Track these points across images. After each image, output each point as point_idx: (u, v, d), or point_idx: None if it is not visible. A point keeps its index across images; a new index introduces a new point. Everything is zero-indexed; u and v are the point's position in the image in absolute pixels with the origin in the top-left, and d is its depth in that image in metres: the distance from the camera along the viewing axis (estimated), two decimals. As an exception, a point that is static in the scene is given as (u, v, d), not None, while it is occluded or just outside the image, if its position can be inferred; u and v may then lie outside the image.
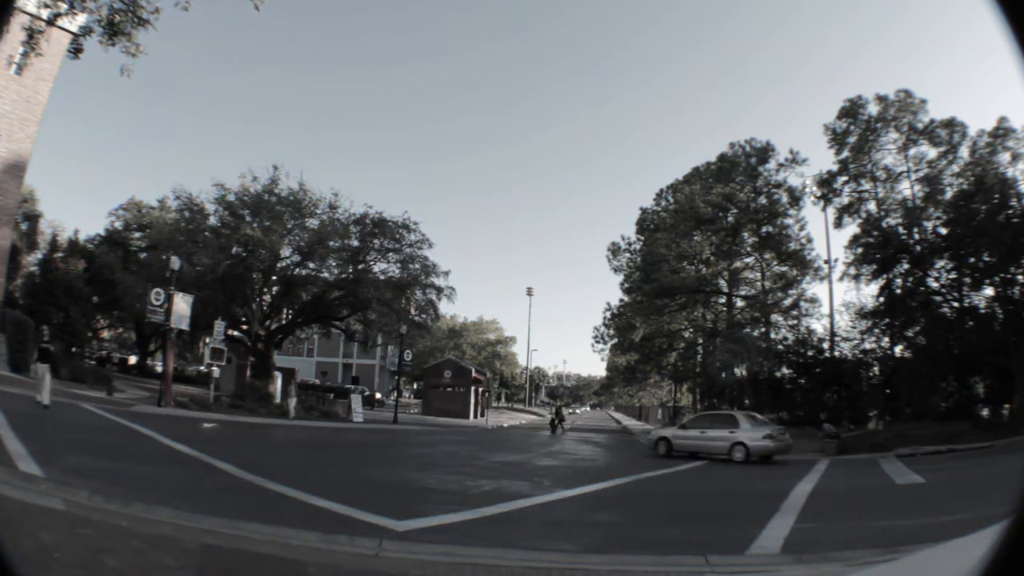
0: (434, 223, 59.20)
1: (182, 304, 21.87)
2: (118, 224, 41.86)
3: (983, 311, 25.58)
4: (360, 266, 31.08)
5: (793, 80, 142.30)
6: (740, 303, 37.31)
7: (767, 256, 36.02)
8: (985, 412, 25.77)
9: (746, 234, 35.75)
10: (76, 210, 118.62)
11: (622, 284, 40.99)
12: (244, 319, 30.82)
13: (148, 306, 21.47)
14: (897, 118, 31.87)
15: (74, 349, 33.13)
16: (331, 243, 30.22)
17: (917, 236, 27.91)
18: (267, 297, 31.95)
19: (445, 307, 36.80)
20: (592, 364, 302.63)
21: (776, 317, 34.97)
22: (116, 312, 38.08)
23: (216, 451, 11.55)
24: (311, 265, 31.03)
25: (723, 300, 38.03)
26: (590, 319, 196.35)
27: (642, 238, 40.42)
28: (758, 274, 36.81)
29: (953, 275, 26.34)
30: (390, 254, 32.02)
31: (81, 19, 10.31)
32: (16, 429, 9.70)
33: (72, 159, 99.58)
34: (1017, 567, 1.08)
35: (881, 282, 28.34)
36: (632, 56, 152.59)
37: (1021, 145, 28.13)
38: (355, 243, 31.32)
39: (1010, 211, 23.86)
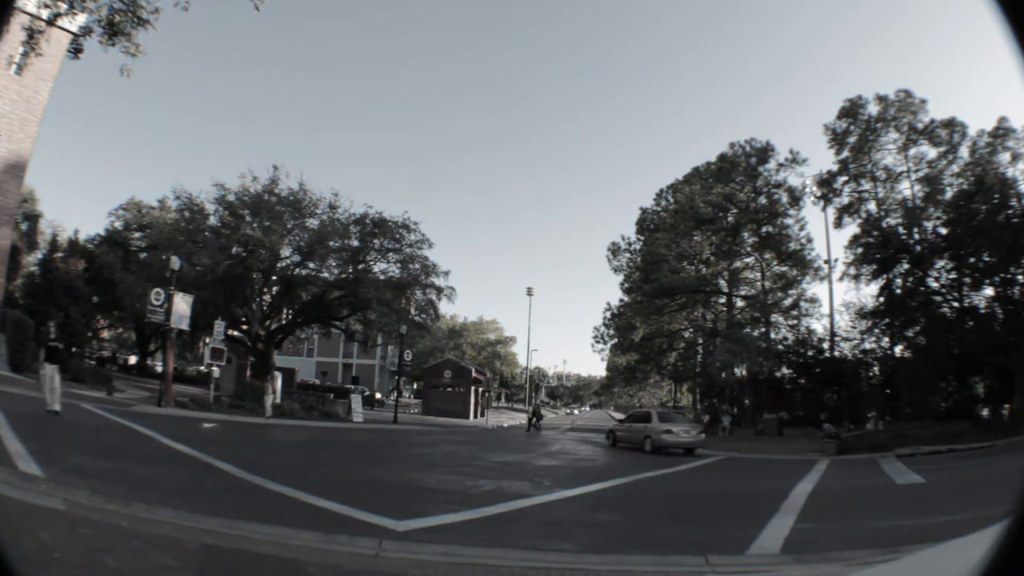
0: (434, 223, 59.35)
1: (182, 304, 21.86)
2: (118, 224, 41.95)
3: (983, 311, 25.59)
4: (360, 266, 31.07)
5: (793, 80, 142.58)
6: (740, 303, 37.32)
7: (767, 256, 36.04)
8: (985, 412, 25.82)
9: (746, 234, 35.76)
10: (76, 210, 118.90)
11: (622, 284, 41.07)
12: (244, 319, 30.81)
13: (148, 306, 21.45)
14: (897, 118, 31.89)
15: (74, 349, 33.14)
16: (331, 243, 30.19)
17: (917, 236, 27.93)
18: (267, 297, 31.93)
19: (445, 307, 36.82)
20: (592, 364, 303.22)
21: (776, 317, 35.00)
22: (116, 312, 38.14)
23: (216, 451, 11.54)
24: (311, 265, 31.01)
25: (723, 300, 38.04)
26: (590, 319, 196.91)
27: (642, 238, 40.46)
28: (758, 274, 36.83)
29: (953, 275, 26.34)
30: (390, 254, 32.01)
31: (81, 19, 10.30)
32: (16, 429, 9.69)
33: (72, 159, 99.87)
34: (1017, 567, 1.08)
35: (881, 282, 28.37)
36: (632, 56, 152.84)
37: (1021, 145, 28.15)
38: (355, 243, 31.30)
39: (1010, 211, 23.86)
